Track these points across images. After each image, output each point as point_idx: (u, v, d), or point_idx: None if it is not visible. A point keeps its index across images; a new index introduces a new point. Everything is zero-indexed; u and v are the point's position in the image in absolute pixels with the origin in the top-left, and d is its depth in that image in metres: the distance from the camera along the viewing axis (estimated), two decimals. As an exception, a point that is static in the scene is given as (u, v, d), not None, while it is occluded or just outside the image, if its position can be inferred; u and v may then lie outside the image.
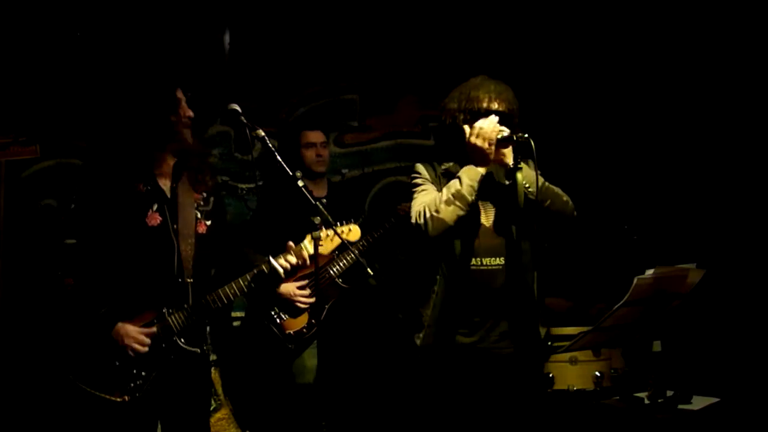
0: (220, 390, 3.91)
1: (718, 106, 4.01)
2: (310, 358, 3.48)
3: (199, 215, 2.64)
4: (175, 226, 2.55)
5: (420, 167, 2.77)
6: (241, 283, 2.61)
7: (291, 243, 2.69)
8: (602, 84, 4.53)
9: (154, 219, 2.53)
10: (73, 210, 2.50)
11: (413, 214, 2.59)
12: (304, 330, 3.47)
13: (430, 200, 2.59)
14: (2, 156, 3.50)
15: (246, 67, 4.05)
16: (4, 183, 3.56)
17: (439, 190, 2.63)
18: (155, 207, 2.54)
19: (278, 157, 2.44)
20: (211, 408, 3.86)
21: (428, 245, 2.66)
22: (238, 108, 2.44)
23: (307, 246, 2.67)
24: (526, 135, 2.49)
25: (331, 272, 3.51)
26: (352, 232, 2.92)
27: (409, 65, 4.50)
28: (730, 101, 3.96)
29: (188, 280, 2.55)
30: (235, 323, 3.91)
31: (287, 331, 3.46)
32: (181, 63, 3.85)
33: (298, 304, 3.43)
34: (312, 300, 3.43)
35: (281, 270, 2.62)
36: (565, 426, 3.01)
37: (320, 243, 2.56)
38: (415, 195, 2.70)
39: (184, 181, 2.63)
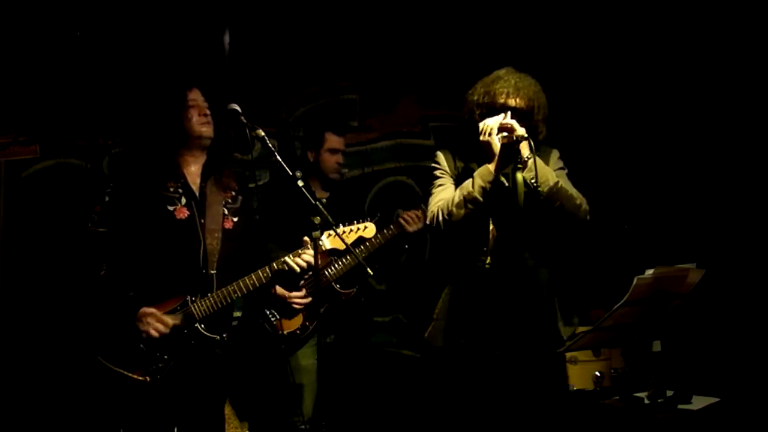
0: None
1: (717, 106, 4.01)
2: (304, 358, 3.47)
3: (226, 212, 2.73)
4: (202, 221, 2.65)
5: (441, 157, 2.81)
6: (261, 275, 2.67)
7: (307, 238, 2.71)
8: (602, 84, 4.54)
9: (182, 213, 2.63)
10: (107, 202, 2.60)
11: (429, 214, 2.69)
12: (298, 332, 3.45)
13: (444, 201, 2.63)
14: (2, 156, 3.51)
15: (246, 67, 4.05)
16: (4, 183, 3.56)
17: (456, 182, 2.69)
18: (183, 202, 2.65)
19: (278, 157, 2.45)
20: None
21: (441, 243, 2.71)
22: (238, 108, 2.46)
23: (325, 241, 2.73)
24: (526, 135, 2.48)
25: (327, 275, 3.47)
26: (368, 229, 2.94)
27: (409, 65, 4.50)
28: (730, 101, 3.96)
29: (212, 272, 2.63)
30: (233, 323, 3.91)
31: (281, 332, 3.44)
32: (182, 63, 3.85)
33: (294, 305, 3.39)
34: (307, 301, 3.42)
35: (297, 268, 2.68)
36: (565, 426, 3.01)
37: (338, 235, 2.64)
38: (433, 191, 2.75)
39: (212, 180, 2.74)
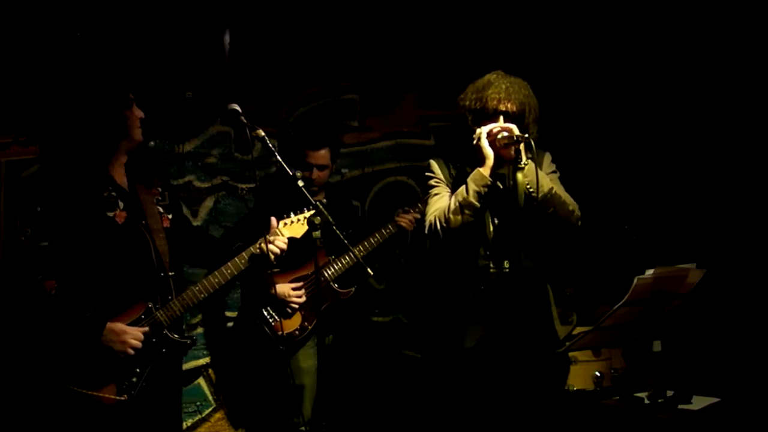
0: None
1: (717, 106, 4.01)
2: (305, 359, 3.45)
3: (161, 210, 2.67)
4: (144, 222, 2.58)
5: (434, 165, 2.80)
6: (225, 272, 2.61)
7: (274, 219, 2.68)
8: (602, 84, 4.54)
9: (121, 217, 2.53)
10: (40, 213, 2.45)
11: (426, 223, 2.69)
12: (296, 332, 3.43)
13: (440, 210, 2.64)
14: (2, 156, 3.51)
15: (246, 67, 4.05)
16: (4, 183, 3.56)
17: (452, 189, 2.68)
18: (121, 206, 2.55)
19: (278, 157, 2.45)
20: (211, 408, 3.86)
21: (440, 250, 2.72)
22: (238, 108, 2.44)
23: (282, 230, 2.71)
24: (526, 135, 2.49)
25: (326, 274, 3.47)
26: (300, 223, 2.80)
27: (410, 65, 4.50)
28: (729, 101, 3.96)
29: (170, 274, 2.58)
30: (229, 324, 3.90)
31: (279, 333, 3.41)
32: (182, 63, 3.85)
33: (293, 305, 3.38)
34: (302, 300, 3.40)
35: (272, 255, 2.62)
36: (565, 426, 3.01)
37: (290, 223, 2.67)
38: (429, 200, 2.75)
39: (137, 178, 2.66)
